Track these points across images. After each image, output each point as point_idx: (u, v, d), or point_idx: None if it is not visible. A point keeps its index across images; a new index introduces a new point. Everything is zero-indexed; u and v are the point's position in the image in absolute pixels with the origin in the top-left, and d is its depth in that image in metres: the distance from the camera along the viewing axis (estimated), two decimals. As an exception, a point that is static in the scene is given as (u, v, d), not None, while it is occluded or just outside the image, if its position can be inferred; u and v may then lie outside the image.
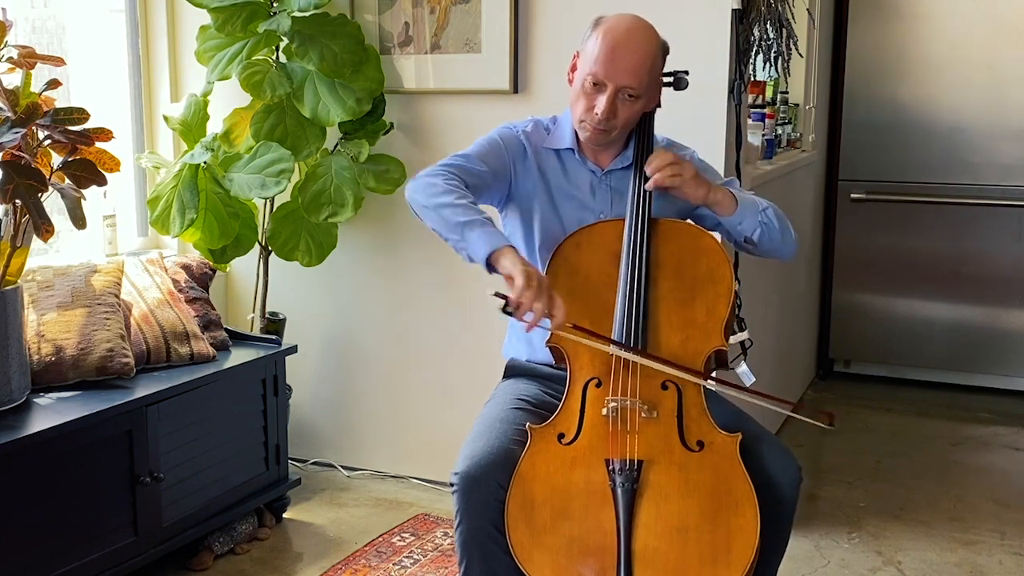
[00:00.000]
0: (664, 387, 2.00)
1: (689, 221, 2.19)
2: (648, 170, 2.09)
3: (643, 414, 1.97)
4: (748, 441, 1.97)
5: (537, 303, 1.87)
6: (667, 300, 2.06)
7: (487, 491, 1.92)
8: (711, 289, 2.07)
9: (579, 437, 1.99)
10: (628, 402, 1.97)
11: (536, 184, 2.22)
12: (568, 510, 1.93)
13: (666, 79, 2.23)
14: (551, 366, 2.23)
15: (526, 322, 1.90)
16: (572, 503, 1.94)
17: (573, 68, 2.20)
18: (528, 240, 2.25)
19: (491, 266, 1.95)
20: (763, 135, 3.86)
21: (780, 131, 4.20)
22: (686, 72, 2.26)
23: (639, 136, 2.20)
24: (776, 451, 2.03)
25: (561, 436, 1.99)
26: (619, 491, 1.91)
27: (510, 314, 1.90)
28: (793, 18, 3.33)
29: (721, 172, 2.66)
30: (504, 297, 1.90)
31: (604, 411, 1.98)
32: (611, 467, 1.94)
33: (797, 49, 3.38)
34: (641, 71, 2.09)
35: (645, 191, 2.10)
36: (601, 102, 2.09)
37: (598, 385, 2.02)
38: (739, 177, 2.91)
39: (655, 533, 1.90)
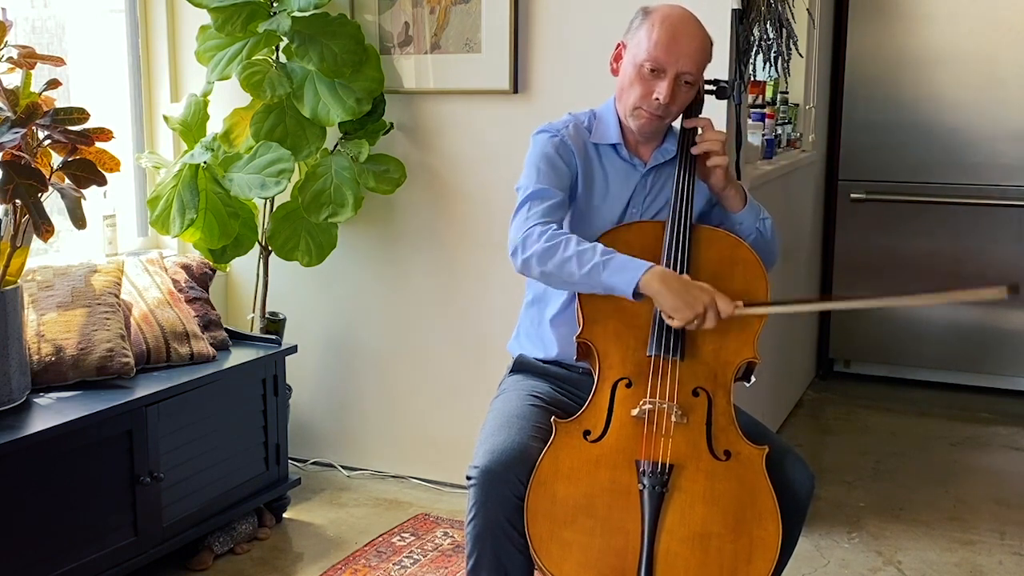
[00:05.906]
0: (695, 394, 2.00)
1: (727, 231, 2.16)
2: (698, 138, 2.11)
3: (675, 419, 1.96)
4: (771, 454, 1.97)
5: (707, 318, 1.92)
6: None
7: (506, 487, 1.91)
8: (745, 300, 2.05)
9: (606, 436, 1.97)
10: (665, 405, 1.97)
11: (580, 183, 2.20)
12: (591, 507, 1.93)
13: (708, 87, 2.24)
14: (563, 366, 2.23)
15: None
16: (595, 501, 1.93)
17: (617, 58, 2.19)
18: None
19: (639, 295, 1.94)
20: (763, 135, 3.86)
21: (780, 131, 4.20)
22: (727, 82, 2.27)
23: (684, 131, 2.19)
24: (794, 461, 2.04)
25: (587, 433, 1.98)
26: (647, 493, 1.91)
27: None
28: (793, 18, 3.33)
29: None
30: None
31: (635, 412, 1.97)
32: (641, 469, 1.93)
33: (797, 49, 3.38)
34: (700, 57, 2.11)
35: (687, 194, 2.09)
36: (662, 88, 2.08)
37: (628, 385, 2.00)
38: (739, 177, 2.91)
39: (678, 538, 1.90)
